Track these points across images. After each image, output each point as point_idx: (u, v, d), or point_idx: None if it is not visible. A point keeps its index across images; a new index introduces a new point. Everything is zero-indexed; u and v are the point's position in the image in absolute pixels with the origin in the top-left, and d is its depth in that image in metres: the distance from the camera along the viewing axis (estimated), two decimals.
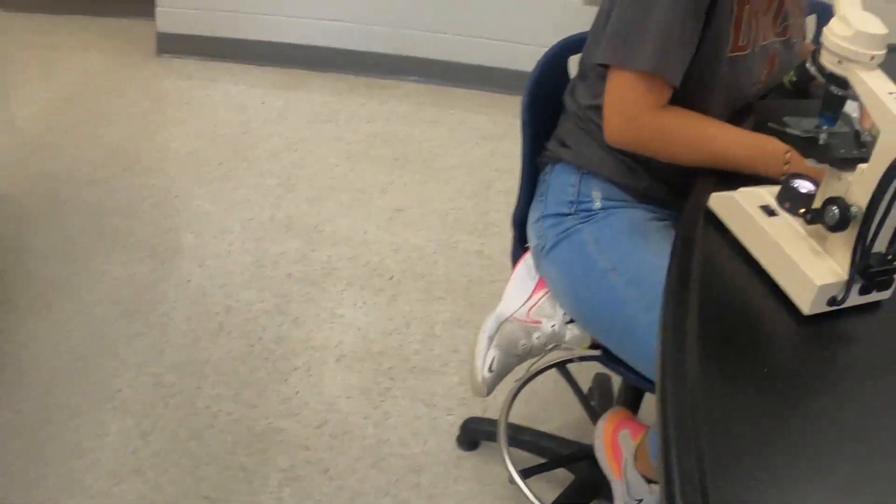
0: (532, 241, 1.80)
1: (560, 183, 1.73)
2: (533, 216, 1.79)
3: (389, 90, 3.91)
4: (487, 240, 3.04)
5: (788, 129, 1.31)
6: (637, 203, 1.70)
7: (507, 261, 2.93)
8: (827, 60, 1.26)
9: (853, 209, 1.26)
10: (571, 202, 1.70)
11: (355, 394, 2.46)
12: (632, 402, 2.07)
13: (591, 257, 1.65)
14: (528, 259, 1.83)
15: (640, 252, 1.62)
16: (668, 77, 1.50)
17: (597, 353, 1.77)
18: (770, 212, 1.39)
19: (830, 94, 1.29)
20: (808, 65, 1.29)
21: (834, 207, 1.26)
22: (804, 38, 1.72)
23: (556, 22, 3.69)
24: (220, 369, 2.50)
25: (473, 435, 2.33)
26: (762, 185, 1.47)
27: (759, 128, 1.40)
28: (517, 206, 1.89)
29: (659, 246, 1.62)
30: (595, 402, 2.34)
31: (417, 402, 2.46)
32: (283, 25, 3.93)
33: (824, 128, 1.33)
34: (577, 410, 2.35)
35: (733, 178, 1.53)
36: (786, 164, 1.49)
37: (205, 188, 3.22)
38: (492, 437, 2.30)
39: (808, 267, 1.31)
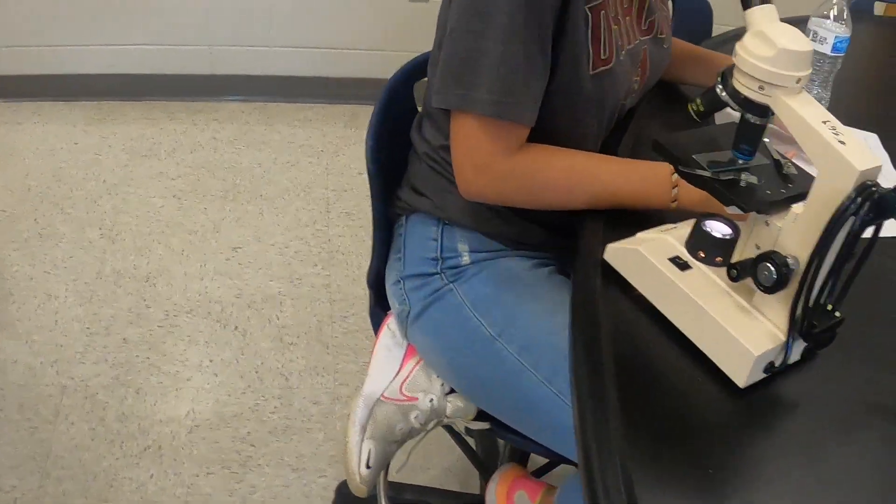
0: (394, 305, 1.46)
1: (418, 237, 1.41)
2: (391, 276, 1.46)
3: (210, 113, 3.48)
4: (333, 270, 2.69)
5: (701, 172, 1.02)
6: (512, 251, 1.39)
7: (358, 291, 2.63)
8: (743, 86, 0.98)
9: (790, 262, 0.99)
10: (434, 259, 1.37)
11: (216, 468, 2.09)
12: (521, 456, 1.77)
13: (471, 323, 1.33)
14: (391, 324, 1.50)
15: (528, 311, 1.32)
16: (516, 120, 1.20)
17: (485, 425, 1.45)
18: (682, 264, 1.11)
19: (747, 123, 1.02)
20: (718, 90, 1.00)
21: (769, 265, 0.98)
22: (672, 29, 1.45)
23: (380, 24, 3.34)
24: (63, 462, 2.08)
25: (349, 500, 1.99)
26: (665, 226, 1.19)
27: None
28: (371, 264, 1.55)
29: (548, 300, 1.33)
30: (480, 452, 2.03)
31: (284, 468, 2.11)
32: (88, 55, 3.42)
33: (739, 162, 1.05)
34: (460, 453, 2.04)
35: (627, 215, 1.24)
36: (674, 186, 1.22)
37: (21, 250, 2.73)
38: (371, 500, 1.96)
39: (740, 331, 1.03)
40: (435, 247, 1.37)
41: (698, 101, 1.04)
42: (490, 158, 1.21)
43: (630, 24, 1.30)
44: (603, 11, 1.22)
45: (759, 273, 1.01)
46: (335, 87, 3.46)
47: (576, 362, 1.07)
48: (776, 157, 1.08)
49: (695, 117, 1.05)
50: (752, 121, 1.01)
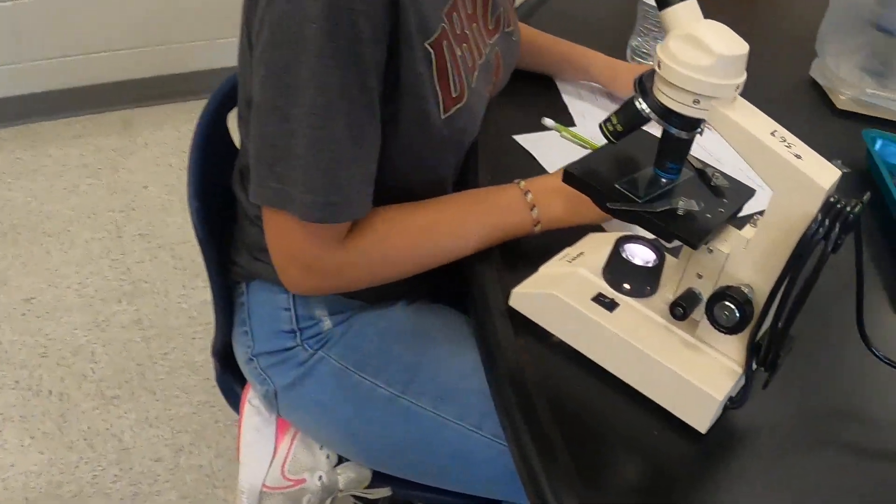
0: (253, 384, 1.18)
1: (266, 308, 1.12)
2: (240, 352, 1.16)
3: None
4: (141, 303, 2.32)
5: (632, 207, 0.80)
6: (377, 303, 1.13)
7: (172, 321, 2.26)
8: (673, 100, 0.76)
9: (747, 292, 0.80)
10: (291, 332, 1.10)
11: None
12: None
13: (362, 386, 1.08)
14: (252, 399, 1.21)
15: (429, 358, 1.09)
16: (344, 220, 0.92)
17: (385, 491, 1.21)
18: (608, 303, 0.90)
19: (674, 139, 0.80)
20: (638, 106, 0.78)
21: (730, 305, 0.79)
22: (517, 19, 1.21)
23: (133, 21, 2.90)
24: None
25: None
26: (566, 252, 0.97)
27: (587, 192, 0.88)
28: (215, 335, 1.24)
29: (448, 340, 1.11)
30: None
31: None
32: None
33: (662, 181, 0.84)
34: None
35: (518, 244, 1.02)
36: (532, 207, 1.00)
37: None
38: None
39: (694, 374, 0.85)
40: (288, 317, 1.09)
41: (614, 119, 0.81)
42: (319, 258, 0.94)
43: (478, 31, 1.05)
44: (446, 41, 0.94)
45: (717, 314, 0.81)
46: (100, 94, 2.99)
47: (505, 409, 0.87)
48: (698, 165, 0.88)
49: (610, 139, 0.82)
50: (680, 136, 0.80)
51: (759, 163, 0.76)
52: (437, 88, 0.93)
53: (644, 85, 0.79)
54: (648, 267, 0.89)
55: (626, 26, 1.47)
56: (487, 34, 1.08)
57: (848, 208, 0.74)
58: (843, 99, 1.49)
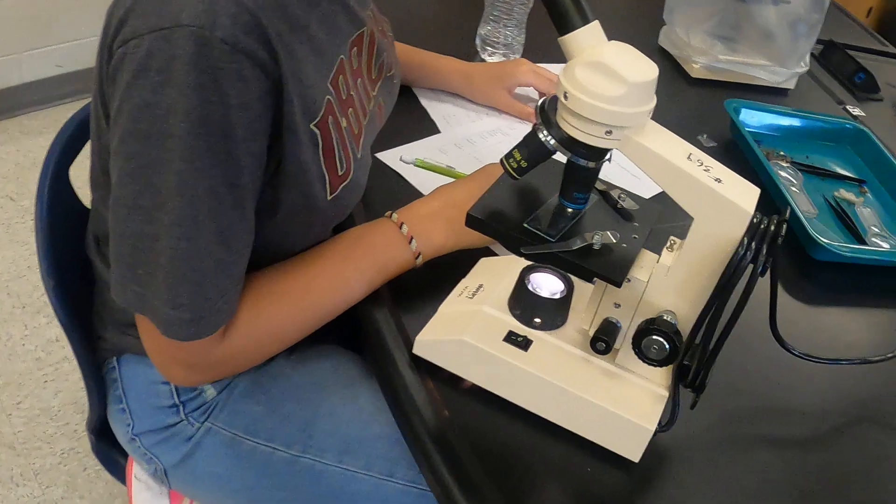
0: (139, 462, 1.05)
1: (141, 383, 0.99)
2: (119, 431, 1.04)
3: None
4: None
5: (545, 250, 0.74)
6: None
7: (19, 366, 2.01)
8: (582, 132, 0.69)
9: (671, 321, 0.76)
10: (173, 406, 0.98)
11: None
12: None
13: (257, 452, 0.98)
14: (138, 474, 1.08)
15: (324, 410, 0.99)
16: (217, 329, 0.80)
17: None
18: (522, 341, 0.84)
19: (580, 169, 0.74)
20: (543, 139, 0.71)
21: (659, 339, 0.75)
22: (398, 60, 1.11)
23: None
24: None
25: None
26: (462, 285, 0.90)
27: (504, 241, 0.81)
28: (90, 413, 1.10)
29: (340, 385, 1.02)
30: None
31: None
32: None
33: (568, 210, 0.78)
34: None
35: (411, 282, 0.94)
36: (410, 241, 0.91)
37: None
38: None
39: (622, 406, 0.82)
40: (168, 391, 0.97)
41: (517, 154, 0.74)
42: (199, 357, 0.82)
43: (362, 87, 0.94)
44: (331, 116, 0.83)
45: (645, 349, 0.77)
46: None
47: (426, 461, 0.80)
48: (601, 187, 0.83)
49: (513, 176, 0.75)
50: (588, 166, 0.73)
51: (678, 190, 0.71)
52: (324, 170, 0.83)
53: (546, 115, 0.72)
54: (556, 299, 0.83)
55: (475, 15, 1.39)
56: (371, 84, 0.98)
57: (772, 227, 0.71)
58: (697, 67, 1.48)
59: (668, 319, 0.77)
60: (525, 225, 0.76)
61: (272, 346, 0.87)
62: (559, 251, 0.74)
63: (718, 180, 0.71)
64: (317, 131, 0.79)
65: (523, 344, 0.83)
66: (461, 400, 0.84)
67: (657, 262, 0.77)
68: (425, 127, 1.20)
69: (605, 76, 0.67)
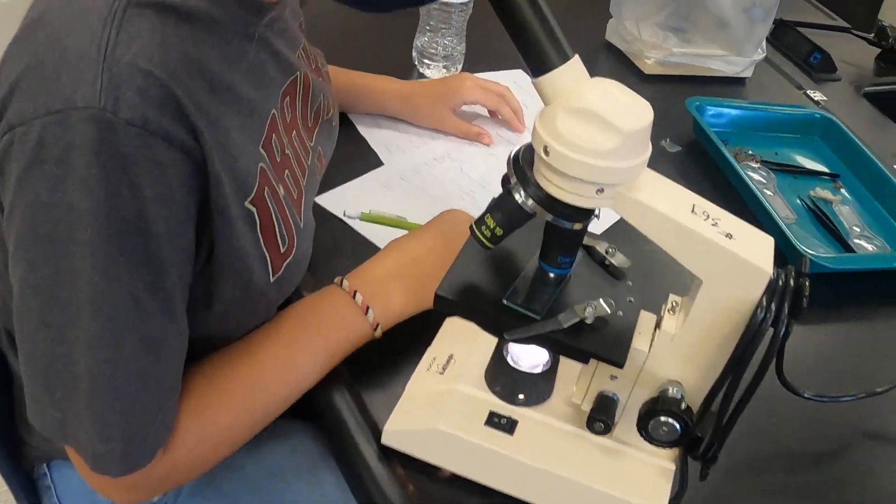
0: None
1: (77, 490, 0.87)
2: None
3: None
4: None
5: (533, 332, 0.62)
6: None
7: None
8: (568, 192, 0.58)
9: (678, 395, 0.65)
10: None
11: None
12: None
13: None
14: None
15: (286, 502, 0.87)
16: (152, 455, 0.66)
17: None
18: (506, 423, 0.73)
19: (564, 231, 0.62)
20: (520, 200, 0.60)
21: (669, 421, 0.64)
22: (335, 100, 0.97)
23: None
24: None
25: None
26: (429, 356, 0.79)
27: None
28: None
29: (299, 470, 0.89)
30: None
31: None
32: None
33: (551, 276, 0.67)
34: None
35: (369, 357, 0.81)
36: (366, 311, 0.78)
37: None
38: None
39: (626, 488, 0.72)
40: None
41: (490, 221, 0.62)
42: (137, 479, 0.68)
43: (298, 140, 0.81)
44: (267, 187, 0.70)
45: (653, 431, 0.66)
46: None
47: None
48: (585, 241, 0.71)
49: (487, 245, 0.63)
50: (573, 228, 0.62)
51: (685, 250, 0.60)
52: (265, 251, 0.70)
53: (522, 170, 0.60)
54: (539, 374, 0.72)
55: (410, 25, 1.26)
56: (308, 134, 0.84)
57: (791, 281, 0.60)
58: (650, 63, 1.38)
59: (675, 394, 0.66)
60: (504, 302, 0.64)
61: (220, 452, 0.73)
62: (549, 333, 0.62)
63: (729, 235, 0.60)
64: (252, 209, 0.66)
65: (508, 426, 0.72)
66: (439, 489, 0.73)
67: (657, 326, 0.67)
68: (366, 159, 1.07)
69: (593, 126, 0.55)
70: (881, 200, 1.21)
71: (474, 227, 0.63)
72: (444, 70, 1.24)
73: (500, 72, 1.29)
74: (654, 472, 0.72)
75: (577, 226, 0.62)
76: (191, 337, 0.68)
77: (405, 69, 1.25)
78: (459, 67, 1.25)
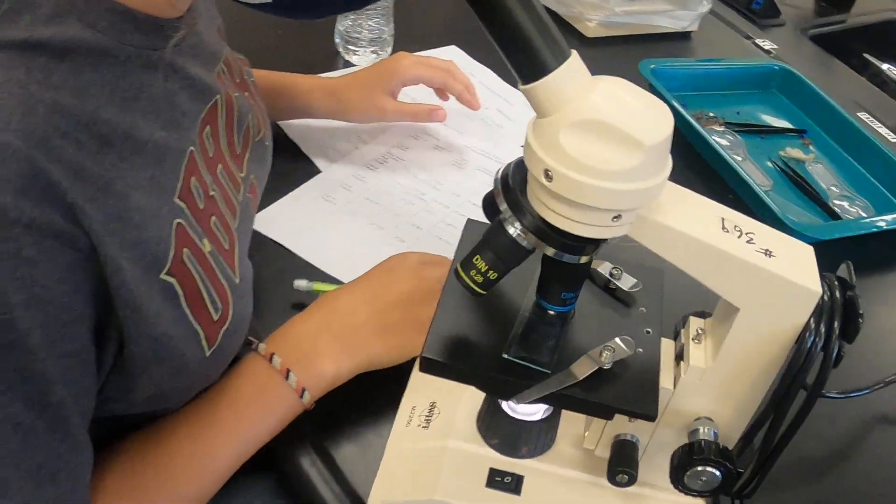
0: None
1: None
2: None
3: None
4: None
5: (547, 391, 0.52)
6: None
7: None
8: (578, 223, 0.47)
9: (712, 436, 0.56)
10: None
11: None
12: None
13: None
14: None
15: None
16: None
17: None
18: (511, 482, 0.63)
19: (570, 266, 0.52)
20: (514, 234, 0.48)
21: (708, 470, 0.54)
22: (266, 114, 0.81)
23: None
24: None
25: None
26: (406, 411, 0.68)
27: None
28: None
29: None
30: None
31: None
32: None
33: (551, 313, 0.57)
34: None
35: (337, 417, 0.70)
36: (286, 375, 0.65)
37: None
38: None
39: None
40: None
41: (480, 263, 0.50)
42: None
43: (225, 174, 0.66)
44: (187, 248, 0.56)
45: (690, 482, 0.56)
46: None
47: None
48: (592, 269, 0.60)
49: (477, 292, 0.52)
50: (581, 261, 0.51)
51: (719, 277, 0.50)
52: (194, 324, 0.56)
53: (514, 197, 0.49)
54: (546, 418, 0.62)
55: None
56: (237, 163, 0.70)
57: (837, 294, 0.51)
58: (592, 26, 1.28)
59: (707, 434, 0.56)
60: (505, 356, 0.53)
61: None
62: (564, 390, 0.51)
63: (769, 253, 0.50)
64: (171, 280, 0.53)
65: (514, 485, 0.62)
66: None
67: (680, 358, 0.57)
68: (301, 168, 0.94)
69: (608, 141, 0.44)
70: (853, 154, 1.14)
71: (461, 270, 0.51)
72: (374, 55, 1.11)
73: (435, 49, 1.17)
74: None
75: (584, 259, 0.51)
76: (116, 416, 0.56)
77: (329, 59, 1.12)
78: (389, 51, 1.13)
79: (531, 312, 0.56)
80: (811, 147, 1.16)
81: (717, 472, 0.56)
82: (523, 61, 0.45)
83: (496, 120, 1.07)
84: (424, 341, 0.53)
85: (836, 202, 1.07)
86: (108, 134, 0.49)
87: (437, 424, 0.65)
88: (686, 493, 0.58)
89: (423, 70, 0.97)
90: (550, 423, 0.63)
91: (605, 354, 0.53)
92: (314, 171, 0.94)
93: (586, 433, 0.62)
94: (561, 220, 0.47)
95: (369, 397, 0.70)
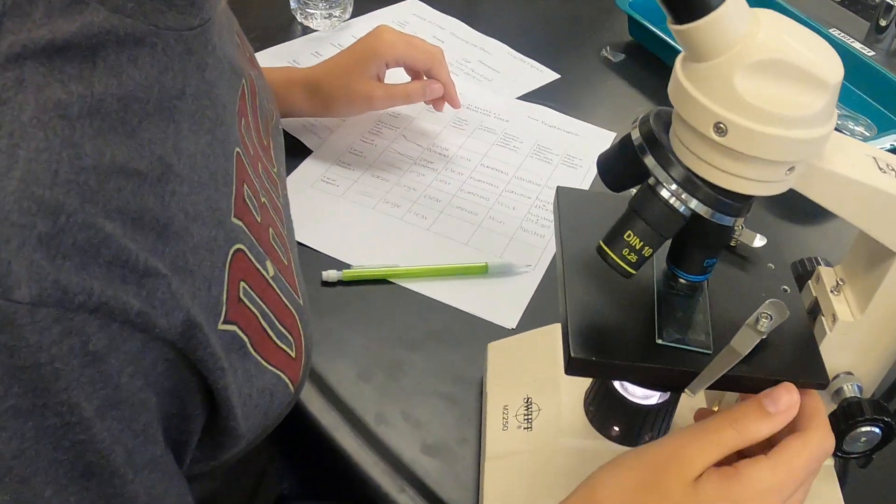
0: None
1: None
2: None
3: None
4: None
5: (715, 376, 0.46)
6: None
7: None
8: (753, 181, 0.41)
9: (858, 392, 0.52)
10: None
11: None
12: None
13: None
14: None
15: None
16: None
17: None
18: None
19: (718, 229, 0.45)
20: (676, 203, 0.42)
21: (867, 429, 0.52)
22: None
23: None
24: None
25: None
26: (505, 391, 0.62)
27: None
28: None
29: None
30: None
31: None
32: None
33: (683, 285, 0.51)
34: None
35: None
36: None
37: None
38: None
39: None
40: None
41: (632, 239, 0.44)
42: None
43: (266, 174, 0.56)
44: (245, 283, 0.46)
45: (849, 446, 0.51)
46: None
47: None
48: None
49: (629, 272, 0.45)
50: (728, 223, 0.45)
51: (882, 221, 0.45)
52: (269, 368, 0.47)
53: (665, 156, 0.42)
54: (669, 399, 0.56)
55: None
56: (269, 159, 0.59)
57: None
58: None
59: (854, 392, 0.52)
60: (660, 342, 0.46)
61: None
62: (739, 372, 0.45)
63: None
64: (232, 328, 0.44)
65: None
66: None
67: (819, 312, 0.52)
68: (287, 150, 0.85)
69: (794, 83, 0.38)
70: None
71: (608, 250, 0.44)
72: (334, 19, 1.01)
73: (396, 5, 1.08)
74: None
75: (734, 221, 0.45)
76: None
77: (284, 26, 1.02)
78: (350, 8, 1.03)
79: (665, 287, 0.50)
80: None
81: (877, 430, 0.51)
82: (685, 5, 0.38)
83: (482, 73, 0.99)
84: (566, 340, 0.46)
85: (840, 122, 1.03)
86: (163, 155, 0.40)
87: (542, 423, 0.58)
88: (844, 457, 0.53)
89: (408, 49, 0.85)
90: (671, 404, 0.57)
91: (762, 323, 0.47)
92: (304, 151, 0.85)
93: (716, 408, 0.56)
94: (730, 180, 0.41)
95: (438, 404, 0.63)
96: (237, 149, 0.49)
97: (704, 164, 0.41)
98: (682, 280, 0.50)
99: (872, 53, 1.21)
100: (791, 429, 0.45)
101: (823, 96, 0.38)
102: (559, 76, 1.01)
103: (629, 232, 0.43)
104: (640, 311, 0.48)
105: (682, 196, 0.42)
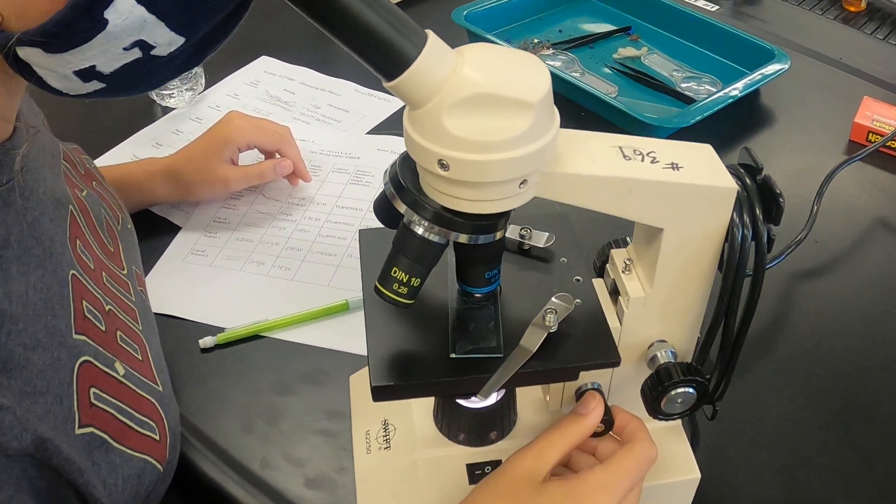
0: None
1: None
2: None
3: None
4: None
5: (506, 376, 0.51)
6: None
7: None
8: (485, 202, 0.46)
9: (672, 357, 0.57)
10: None
11: None
12: None
13: None
14: None
15: None
16: None
17: None
18: (491, 469, 0.61)
19: (485, 246, 0.50)
20: (425, 235, 0.47)
21: (682, 391, 0.57)
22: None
23: None
24: None
25: None
26: (367, 414, 0.66)
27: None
28: None
29: None
30: None
31: None
32: None
33: (476, 297, 0.55)
34: None
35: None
36: None
37: None
38: None
39: (654, 472, 0.62)
40: None
41: (399, 273, 0.48)
42: None
43: (112, 280, 0.60)
44: (96, 389, 0.51)
45: (668, 408, 0.56)
46: None
47: None
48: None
49: (404, 304, 0.49)
50: (490, 241, 0.49)
51: (634, 206, 0.49)
52: (139, 455, 0.52)
53: (409, 194, 0.47)
54: (503, 399, 0.60)
55: None
56: (116, 263, 0.63)
57: (751, 182, 0.51)
58: None
59: (668, 358, 0.56)
60: (454, 356, 0.51)
61: None
62: (526, 369, 0.50)
63: (675, 166, 0.49)
64: (89, 430, 0.48)
65: (478, 471, 0.60)
66: None
67: (614, 293, 0.56)
68: (159, 231, 0.88)
69: (496, 110, 0.42)
70: (683, 35, 1.16)
71: (381, 287, 0.49)
72: (190, 92, 1.05)
73: (246, 67, 1.12)
74: (664, 436, 0.62)
75: (500, 235, 0.49)
76: None
77: (146, 109, 1.06)
78: (202, 81, 1.07)
79: (459, 303, 0.54)
80: (640, 41, 1.18)
81: (691, 390, 0.55)
82: (382, 58, 0.42)
83: (332, 115, 1.03)
84: (368, 370, 0.50)
85: (684, 85, 1.09)
86: None
87: (398, 441, 0.62)
88: (666, 420, 0.57)
89: (257, 133, 0.90)
90: (509, 402, 0.61)
91: (548, 318, 0.51)
92: (174, 228, 0.88)
93: (547, 397, 0.61)
94: (467, 205, 0.45)
95: (315, 440, 0.67)
96: (72, 271, 0.53)
97: (444, 196, 0.46)
98: (476, 294, 0.54)
99: (717, 8, 1.27)
100: (621, 444, 0.55)
101: (528, 115, 0.42)
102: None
103: (394, 269, 0.48)
104: (437, 332, 0.52)
105: (435, 229, 0.47)
